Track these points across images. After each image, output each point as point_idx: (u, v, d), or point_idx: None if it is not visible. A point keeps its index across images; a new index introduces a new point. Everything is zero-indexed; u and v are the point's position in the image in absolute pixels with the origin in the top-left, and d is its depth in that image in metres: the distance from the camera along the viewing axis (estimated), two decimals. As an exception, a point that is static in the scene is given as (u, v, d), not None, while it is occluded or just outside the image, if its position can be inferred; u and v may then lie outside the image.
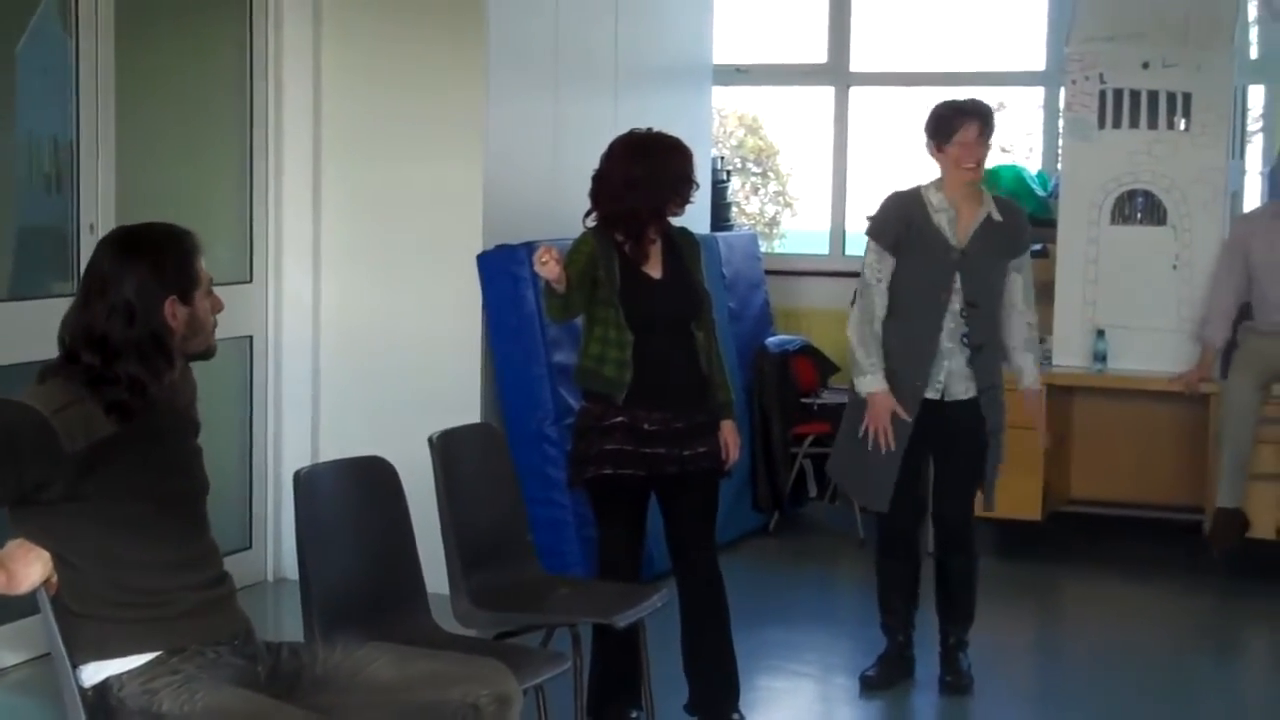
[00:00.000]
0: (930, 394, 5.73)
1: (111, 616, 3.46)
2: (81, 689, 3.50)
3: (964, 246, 5.68)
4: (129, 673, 3.47)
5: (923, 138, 5.73)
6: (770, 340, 8.51)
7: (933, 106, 5.79)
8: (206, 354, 3.67)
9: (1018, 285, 5.83)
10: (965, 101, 5.79)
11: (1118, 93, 7.76)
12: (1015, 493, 7.58)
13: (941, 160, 5.72)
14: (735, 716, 5.32)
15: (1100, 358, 7.76)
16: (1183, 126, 7.72)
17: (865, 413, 5.73)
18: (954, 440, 5.83)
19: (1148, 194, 7.77)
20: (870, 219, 5.89)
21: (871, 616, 6.09)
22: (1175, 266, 7.74)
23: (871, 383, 5.68)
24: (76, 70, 6.00)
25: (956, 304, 5.67)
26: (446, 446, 4.82)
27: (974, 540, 6.03)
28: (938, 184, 5.75)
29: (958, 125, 5.68)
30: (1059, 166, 8.51)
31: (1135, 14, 7.81)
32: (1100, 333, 7.77)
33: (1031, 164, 9.52)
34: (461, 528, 4.75)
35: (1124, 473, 8.09)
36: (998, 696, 6.05)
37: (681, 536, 5.26)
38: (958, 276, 5.66)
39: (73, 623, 3.49)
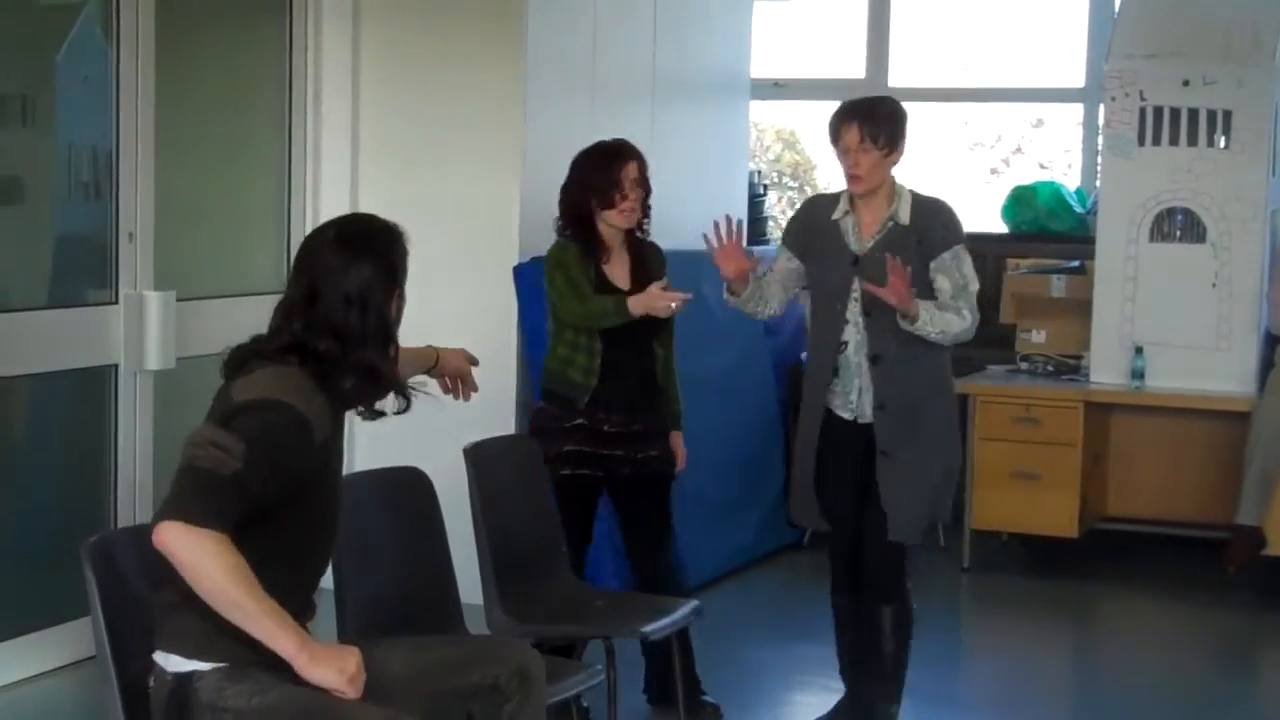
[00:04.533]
0: (844, 413, 5.23)
1: (227, 626, 3.36)
2: (160, 674, 3.47)
3: (864, 251, 5.16)
4: (213, 670, 3.43)
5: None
6: (804, 354, 8.48)
7: (838, 109, 5.26)
8: (394, 343, 3.76)
9: (945, 289, 5.16)
10: (849, 102, 5.25)
11: (1157, 110, 7.73)
12: (1051, 509, 7.59)
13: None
14: (705, 697, 5.47)
15: (1138, 375, 7.72)
16: (1223, 144, 7.68)
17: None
18: (863, 464, 5.23)
19: (1187, 212, 7.73)
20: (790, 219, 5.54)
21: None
22: (1214, 285, 7.70)
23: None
24: (116, 79, 6.02)
25: (857, 313, 5.15)
26: (481, 457, 4.82)
27: (905, 589, 5.31)
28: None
29: (838, 129, 5.16)
30: (1098, 184, 8.48)
31: (1175, 31, 7.78)
32: (1138, 350, 7.73)
33: (1070, 181, 9.51)
34: (495, 538, 4.75)
35: (1161, 490, 8.05)
36: (1029, 713, 6.02)
37: (638, 538, 5.49)
38: (856, 283, 5.14)
39: (178, 612, 3.42)
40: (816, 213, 5.30)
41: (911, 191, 5.26)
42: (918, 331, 5.05)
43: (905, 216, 5.18)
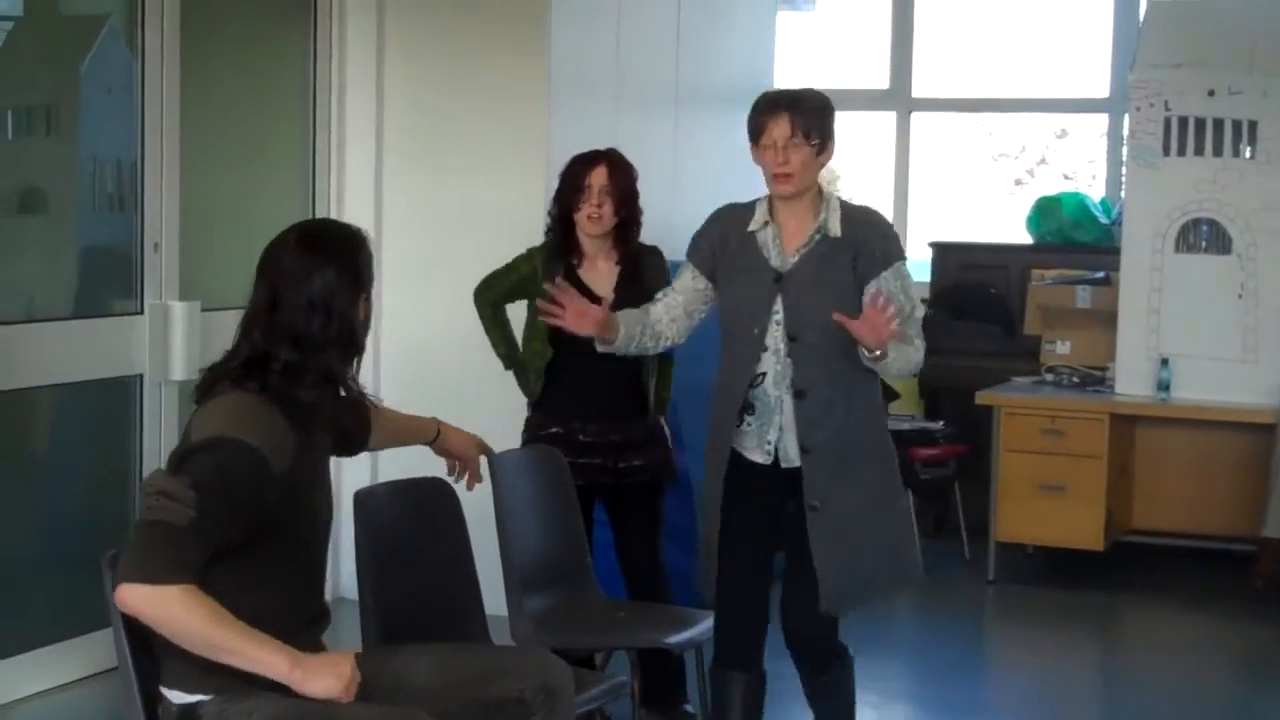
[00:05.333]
0: (758, 456, 4.51)
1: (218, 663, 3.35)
2: (167, 705, 3.47)
3: (788, 267, 4.49)
4: (215, 698, 3.42)
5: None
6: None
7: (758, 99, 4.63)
8: (360, 352, 3.71)
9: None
10: (776, 92, 4.66)
11: (1182, 120, 7.70)
12: (1077, 521, 7.56)
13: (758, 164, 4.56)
14: (686, 708, 5.46)
15: (1164, 387, 7.69)
16: (1248, 154, 7.65)
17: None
18: (787, 519, 4.53)
19: (1212, 222, 7.70)
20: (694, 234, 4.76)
21: (934, 643, 6.03)
22: (1240, 296, 7.66)
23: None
24: (141, 89, 6.03)
25: (780, 339, 4.46)
26: (504, 468, 4.81)
27: (842, 646, 4.73)
28: (766, 195, 4.60)
29: (764, 122, 4.48)
30: (1123, 194, 8.45)
31: (1200, 41, 7.76)
32: (1164, 362, 7.70)
33: (1095, 191, 9.49)
34: (519, 550, 4.74)
35: (1187, 502, 8.01)
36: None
37: (624, 546, 5.52)
38: (779, 304, 4.48)
39: (171, 651, 3.39)
40: (729, 225, 4.59)
41: (840, 199, 4.61)
42: (881, 370, 4.45)
43: (836, 228, 4.49)
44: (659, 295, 4.68)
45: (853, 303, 4.41)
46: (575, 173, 5.42)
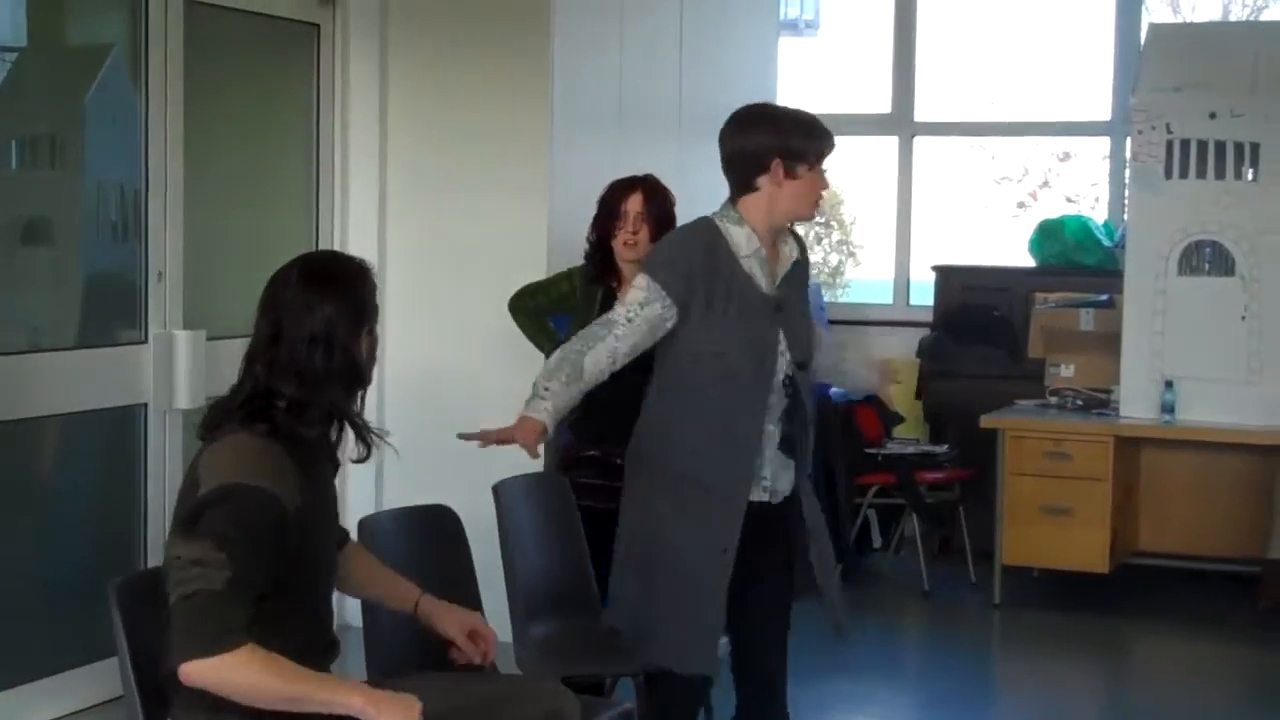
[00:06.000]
0: (756, 495, 4.34)
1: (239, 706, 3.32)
2: None
3: (776, 295, 4.36)
4: None
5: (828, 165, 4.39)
6: (834, 390, 8.48)
7: (799, 118, 4.43)
8: (366, 384, 3.67)
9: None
10: (818, 116, 4.47)
11: (1185, 143, 7.71)
12: (1082, 544, 7.55)
13: (787, 187, 4.30)
14: None
15: (1168, 409, 7.68)
16: (1250, 176, 7.65)
17: (655, 547, 4.35)
18: (765, 555, 4.39)
19: (1215, 244, 7.70)
20: (653, 255, 4.50)
21: (941, 667, 6.02)
22: (1244, 317, 7.66)
23: (536, 407, 4.26)
24: (145, 119, 6.05)
25: (782, 372, 4.32)
26: (509, 495, 4.81)
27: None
28: (735, 218, 4.32)
29: (828, 146, 4.38)
30: (1125, 217, 8.46)
31: (1202, 64, 7.77)
32: (1168, 384, 7.70)
33: (1098, 214, 9.51)
34: (524, 576, 4.74)
35: (1192, 525, 8.00)
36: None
37: None
38: (781, 335, 4.33)
39: (189, 690, 3.33)
40: (715, 252, 4.30)
41: None
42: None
43: (796, 249, 4.46)
44: (596, 334, 4.30)
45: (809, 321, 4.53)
46: (612, 199, 5.47)
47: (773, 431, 4.34)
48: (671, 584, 4.30)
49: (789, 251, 4.42)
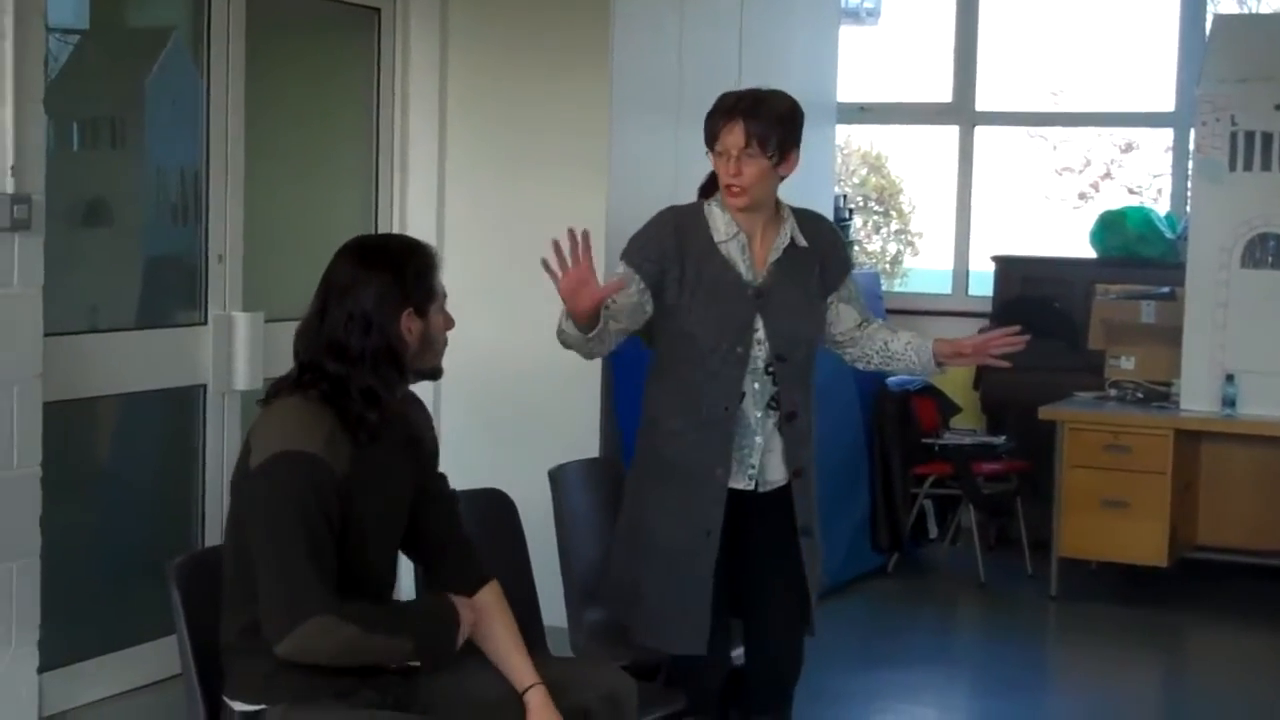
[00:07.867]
0: (739, 483, 4.32)
1: (296, 667, 3.37)
2: (230, 713, 3.48)
3: (761, 282, 4.31)
4: (281, 707, 3.43)
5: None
6: (891, 380, 8.44)
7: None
8: (434, 373, 3.68)
9: (850, 316, 4.50)
10: (735, 94, 4.31)
11: (1249, 135, 7.65)
12: (1141, 538, 7.51)
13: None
14: None
15: (1229, 403, 7.63)
16: (1315, 169, 7.59)
17: (643, 528, 4.39)
18: (770, 544, 4.41)
19: (1279, 238, 7.64)
20: (632, 239, 4.46)
21: (995, 658, 5.99)
22: (1307, 311, 7.60)
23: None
24: (206, 101, 6.07)
25: (760, 358, 4.28)
26: (565, 480, 4.81)
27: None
28: (720, 202, 4.32)
29: (717, 128, 4.25)
30: (1188, 209, 8.40)
31: (1267, 56, 7.70)
32: (1230, 377, 7.64)
33: (1160, 206, 9.44)
34: (579, 561, 4.74)
35: (1253, 519, 7.95)
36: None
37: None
38: (759, 321, 4.29)
39: (235, 655, 3.43)
40: (686, 234, 4.30)
41: (788, 205, 4.44)
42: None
43: (801, 237, 4.36)
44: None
45: (820, 313, 4.41)
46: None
47: (760, 418, 4.31)
48: (658, 565, 4.33)
49: (782, 238, 4.34)
